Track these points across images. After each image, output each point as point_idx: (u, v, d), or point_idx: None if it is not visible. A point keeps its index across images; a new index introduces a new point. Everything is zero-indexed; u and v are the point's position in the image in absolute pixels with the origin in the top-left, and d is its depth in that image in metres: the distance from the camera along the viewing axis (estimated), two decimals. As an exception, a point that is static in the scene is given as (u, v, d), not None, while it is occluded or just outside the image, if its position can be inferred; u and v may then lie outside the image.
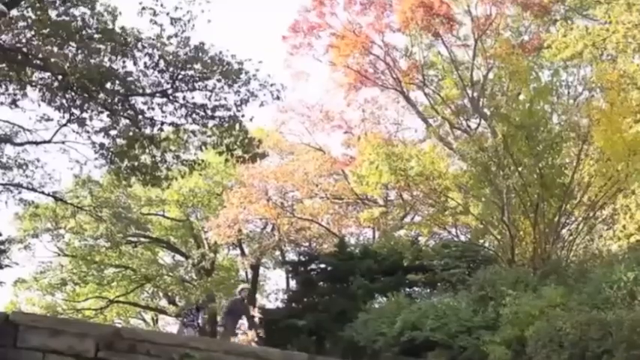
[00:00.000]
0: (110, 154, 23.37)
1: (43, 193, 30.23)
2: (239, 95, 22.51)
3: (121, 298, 46.33)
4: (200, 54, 22.17)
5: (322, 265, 35.46)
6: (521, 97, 33.11)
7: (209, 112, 22.46)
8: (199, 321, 22.75)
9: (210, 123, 22.81)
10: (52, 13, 21.89)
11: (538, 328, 21.37)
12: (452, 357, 24.19)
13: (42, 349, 6.17)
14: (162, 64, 21.97)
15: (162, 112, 22.45)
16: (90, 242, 42.38)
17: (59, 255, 43.91)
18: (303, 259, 36.89)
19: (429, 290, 32.65)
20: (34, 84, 22.65)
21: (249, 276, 45.33)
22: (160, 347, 6.15)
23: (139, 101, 22.34)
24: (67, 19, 21.86)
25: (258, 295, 45.85)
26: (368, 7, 40.84)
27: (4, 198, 28.51)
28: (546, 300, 22.79)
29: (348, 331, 28.73)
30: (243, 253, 44.21)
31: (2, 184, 28.14)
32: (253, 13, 78.54)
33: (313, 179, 41.14)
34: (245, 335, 40.02)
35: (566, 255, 30.12)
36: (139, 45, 21.96)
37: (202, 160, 24.44)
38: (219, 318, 16.92)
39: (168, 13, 21.89)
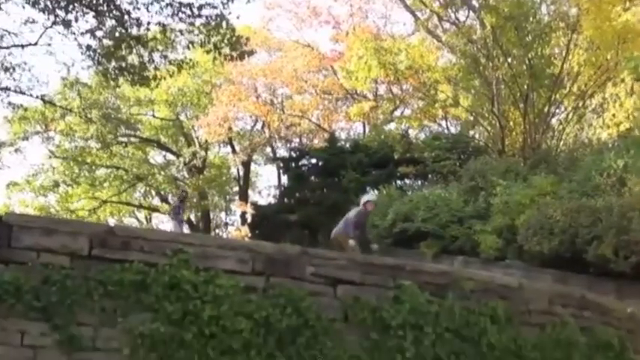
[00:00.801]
0: (97, 55, 23.12)
1: (31, 96, 29.98)
2: (225, -8, 22.22)
3: (114, 198, 46.46)
4: (185, -51, 21.83)
5: (313, 160, 35.53)
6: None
7: (195, 11, 22.17)
8: (182, 214, 22.70)
9: (197, 22, 22.53)
10: None
11: (528, 217, 21.64)
12: (443, 246, 24.51)
13: (36, 249, 6.24)
14: (146, -39, 21.63)
15: (148, 11, 22.11)
16: (80, 144, 42.27)
17: (50, 157, 43.85)
18: (294, 155, 36.93)
19: (420, 182, 32.82)
20: (17, -14, 22.31)
21: (241, 173, 45.48)
22: (153, 243, 6.23)
23: (124, 1, 22.03)
24: None
25: (250, 192, 46.09)
26: None
27: (-8, 101, 28.33)
28: (537, 189, 23.02)
29: (339, 225, 28.99)
30: (234, 151, 44.21)
31: (-10, 88, 27.91)
32: None
33: (302, 75, 40.87)
34: (238, 231, 40.43)
35: (556, 144, 30.30)
36: (123, -58, 21.59)
37: (190, 59, 24.25)
38: (336, 228, 16.85)
39: None
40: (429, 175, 31.82)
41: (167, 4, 22.00)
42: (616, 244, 19.03)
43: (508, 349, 6.98)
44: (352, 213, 17.68)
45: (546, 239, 20.75)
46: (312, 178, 35.24)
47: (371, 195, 18.28)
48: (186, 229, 30.11)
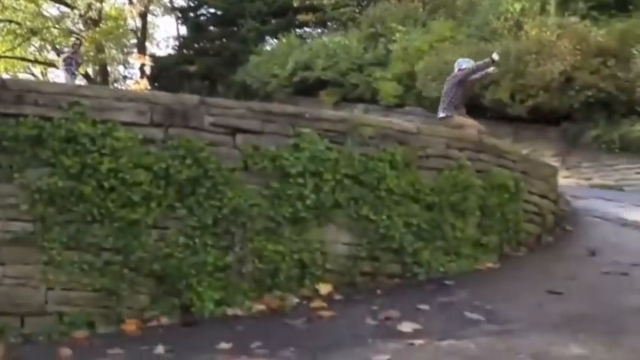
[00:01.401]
0: None
1: None
2: None
3: (8, 54, 44.96)
4: None
5: (212, 10, 34.92)
6: None
7: None
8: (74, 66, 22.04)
9: None
10: None
11: (427, 63, 21.79)
12: (344, 94, 24.62)
13: None
14: None
15: None
16: (-33, -4, 40.50)
17: None
18: (192, 4, 36.15)
19: (319, 30, 32.66)
20: None
21: (139, 25, 44.37)
22: (48, 96, 6.05)
23: None
24: None
25: (148, 44, 45.12)
26: None
27: None
28: (435, 34, 23.10)
29: (240, 75, 28.84)
30: (130, 2, 42.98)
31: None
32: None
33: None
34: (137, 84, 39.81)
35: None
36: None
37: None
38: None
39: None
40: (329, 23, 31.62)
41: None
42: (513, 88, 19.37)
43: (406, 194, 7.11)
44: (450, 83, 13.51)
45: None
46: (211, 28, 34.71)
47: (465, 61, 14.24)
48: (83, 84, 29.44)
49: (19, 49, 45.31)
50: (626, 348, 5.00)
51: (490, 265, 7.58)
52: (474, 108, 20.71)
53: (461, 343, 5.11)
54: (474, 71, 12.78)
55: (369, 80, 23.93)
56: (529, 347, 5.01)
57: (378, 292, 6.58)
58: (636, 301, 6.18)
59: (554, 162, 15.94)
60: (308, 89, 25.94)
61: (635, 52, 17.69)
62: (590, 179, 18.92)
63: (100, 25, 42.07)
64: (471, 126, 12.18)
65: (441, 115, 12.79)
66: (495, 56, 12.64)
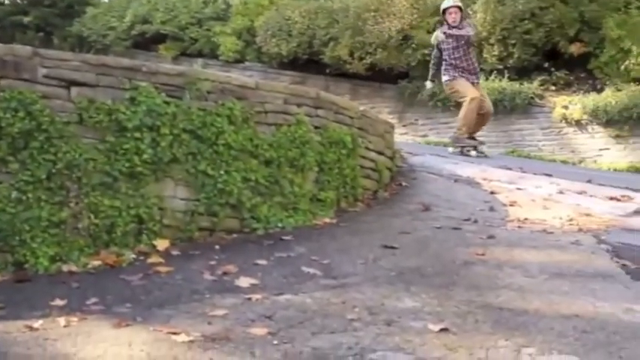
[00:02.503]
0: None
1: None
2: None
3: None
4: None
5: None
6: None
7: None
8: None
9: None
10: None
11: (267, 18, 21.79)
12: (183, 49, 24.36)
13: None
14: None
15: None
16: None
17: None
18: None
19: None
20: None
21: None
22: None
23: None
24: None
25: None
26: None
27: None
28: (275, -10, 23.10)
29: (77, 27, 28.04)
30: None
31: None
32: None
33: None
34: None
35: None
36: None
37: None
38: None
39: None
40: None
41: None
42: (351, 45, 19.63)
43: (245, 149, 7.11)
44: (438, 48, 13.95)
45: (285, 41, 21.08)
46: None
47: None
48: None
49: None
50: (455, 300, 5.20)
51: (327, 220, 7.70)
52: (313, 64, 20.97)
53: (298, 298, 5.19)
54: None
55: (209, 35, 23.75)
56: (364, 301, 5.14)
57: (217, 247, 6.59)
58: (465, 255, 6.43)
59: (391, 119, 16.31)
60: (147, 43, 25.53)
61: (469, 11, 18.19)
62: (426, 136, 19.48)
63: None
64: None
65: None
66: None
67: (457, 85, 13.56)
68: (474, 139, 13.91)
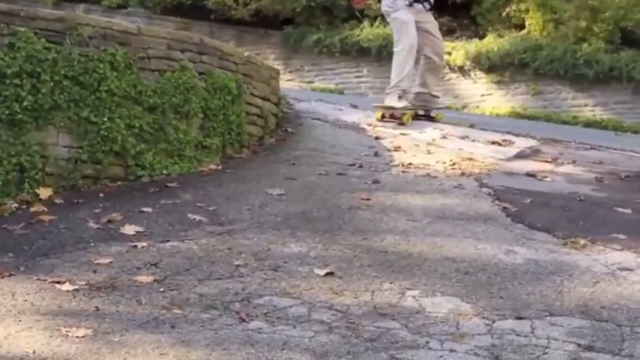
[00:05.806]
0: None
1: None
2: None
3: None
4: None
5: None
6: None
7: None
8: None
9: None
10: None
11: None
12: (64, -7, 23.68)
13: None
14: None
15: None
16: None
17: None
18: None
19: None
20: None
21: None
22: None
23: None
24: None
25: None
26: None
27: None
28: None
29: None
30: None
31: None
32: None
33: None
34: None
35: None
36: None
37: None
38: None
39: None
40: None
41: None
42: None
43: (128, 95, 7.00)
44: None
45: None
46: None
47: None
48: None
49: None
50: (341, 244, 5.30)
51: (213, 167, 7.68)
52: (198, 10, 20.69)
53: (183, 245, 5.21)
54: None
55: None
56: (250, 246, 5.19)
57: (101, 195, 6.51)
58: (350, 200, 6.53)
59: (277, 65, 16.26)
60: (25, -14, 24.72)
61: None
62: (311, 82, 19.49)
63: None
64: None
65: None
66: None
67: None
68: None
